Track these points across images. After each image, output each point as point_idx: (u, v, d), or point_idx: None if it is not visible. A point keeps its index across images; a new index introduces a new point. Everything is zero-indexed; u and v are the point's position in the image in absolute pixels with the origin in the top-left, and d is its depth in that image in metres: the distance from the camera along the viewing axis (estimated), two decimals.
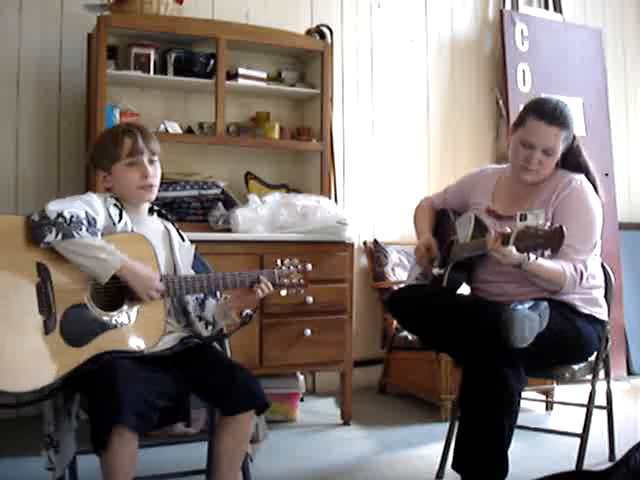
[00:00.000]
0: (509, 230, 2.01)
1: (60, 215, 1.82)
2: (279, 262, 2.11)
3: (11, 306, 1.79)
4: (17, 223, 1.85)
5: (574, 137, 2.40)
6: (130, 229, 2.00)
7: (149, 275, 1.92)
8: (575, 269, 2.21)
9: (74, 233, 1.81)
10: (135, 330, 1.91)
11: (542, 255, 1.96)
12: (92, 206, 1.93)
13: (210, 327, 2.12)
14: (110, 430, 1.68)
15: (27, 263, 1.83)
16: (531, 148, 2.32)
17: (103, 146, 2.08)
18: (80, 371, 1.81)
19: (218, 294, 2.16)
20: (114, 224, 1.97)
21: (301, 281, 2.10)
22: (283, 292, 2.11)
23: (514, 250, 2.01)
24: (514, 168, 2.41)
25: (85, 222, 1.86)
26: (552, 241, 1.92)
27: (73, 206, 1.88)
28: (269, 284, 2.06)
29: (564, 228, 1.91)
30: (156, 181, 2.07)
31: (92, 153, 2.13)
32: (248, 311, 2.14)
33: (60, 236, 1.80)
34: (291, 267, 2.10)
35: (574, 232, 2.15)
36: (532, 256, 1.97)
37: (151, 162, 2.05)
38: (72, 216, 1.83)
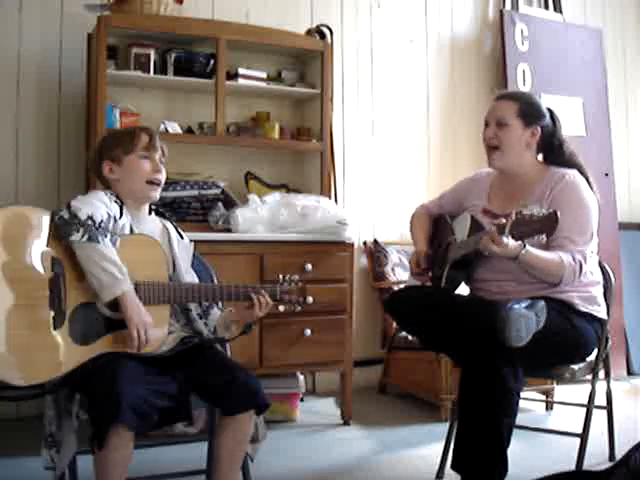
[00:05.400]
0: (504, 221, 2.03)
1: (90, 218, 1.83)
2: (280, 277, 2.13)
3: (22, 297, 1.78)
4: (39, 216, 1.85)
5: (553, 129, 2.41)
6: (129, 227, 2.00)
7: (145, 317, 1.87)
8: (574, 259, 2.21)
9: (99, 239, 1.82)
10: None
11: (539, 240, 2.00)
12: (107, 206, 1.94)
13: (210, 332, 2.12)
14: (109, 429, 1.68)
15: (43, 256, 1.83)
16: (487, 126, 2.42)
17: (118, 137, 2.11)
18: (81, 370, 1.81)
19: (221, 304, 2.17)
20: (115, 220, 1.97)
21: (300, 299, 2.13)
22: (281, 307, 2.14)
23: (510, 239, 2.02)
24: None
25: (110, 225, 1.88)
26: (546, 225, 1.96)
27: (98, 208, 1.88)
28: (267, 298, 2.07)
29: (557, 212, 1.95)
30: (163, 180, 2.10)
31: (101, 144, 2.13)
32: (248, 320, 2.14)
33: (85, 238, 1.81)
34: (292, 284, 2.13)
35: (570, 224, 2.18)
36: (528, 246, 2.01)
37: (161, 162, 2.10)
38: (101, 221, 1.86)
